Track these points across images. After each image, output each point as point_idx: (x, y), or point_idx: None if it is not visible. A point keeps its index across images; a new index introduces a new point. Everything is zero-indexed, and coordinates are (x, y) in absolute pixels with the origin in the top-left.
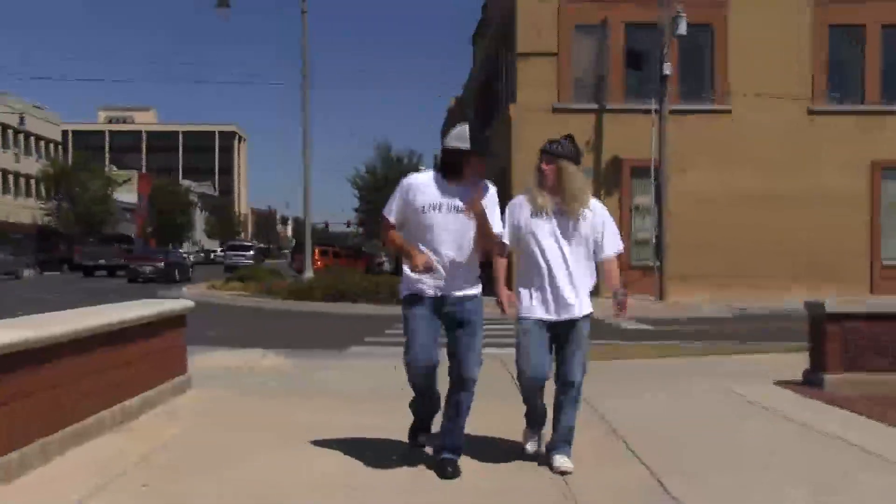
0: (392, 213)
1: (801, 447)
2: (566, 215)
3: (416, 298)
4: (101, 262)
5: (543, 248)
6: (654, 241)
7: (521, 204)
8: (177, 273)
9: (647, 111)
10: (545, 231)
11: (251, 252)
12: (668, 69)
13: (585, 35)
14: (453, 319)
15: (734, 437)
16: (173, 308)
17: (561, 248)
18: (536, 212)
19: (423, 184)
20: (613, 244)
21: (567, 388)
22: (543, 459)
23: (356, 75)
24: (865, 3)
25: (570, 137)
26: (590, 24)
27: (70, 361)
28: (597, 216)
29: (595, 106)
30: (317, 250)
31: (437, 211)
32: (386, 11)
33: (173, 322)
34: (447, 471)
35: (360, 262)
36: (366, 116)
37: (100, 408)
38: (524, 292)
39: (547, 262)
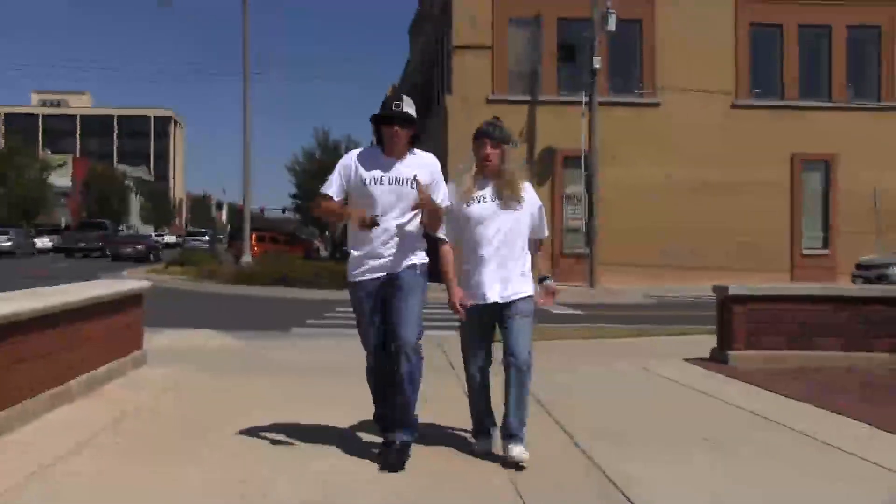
0: (332, 189)
1: (706, 413)
2: (505, 200)
3: (360, 287)
4: (81, 245)
5: (482, 234)
6: (584, 229)
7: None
8: (151, 255)
9: (579, 103)
10: (484, 217)
11: (206, 237)
12: (598, 63)
13: (520, 28)
14: (392, 288)
15: (647, 407)
16: (133, 288)
17: (496, 235)
18: (469, 198)
19: (363, 158)
20: (543, 229)
21: (513, 362)
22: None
23: (296, 62)
24: (784, 2)
25: (497, 119)
26: (524, 18)
27: (47, 333)
28: (532, 200)
29: (529, 98)
30: (254, 236)
31: (378, 184)
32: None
33: (133, 301)
34: (391, 459)
35: (296, 247)
36: (305, 103)
37: (71, 376)
38: (464, 280)
39: (483, 248)
